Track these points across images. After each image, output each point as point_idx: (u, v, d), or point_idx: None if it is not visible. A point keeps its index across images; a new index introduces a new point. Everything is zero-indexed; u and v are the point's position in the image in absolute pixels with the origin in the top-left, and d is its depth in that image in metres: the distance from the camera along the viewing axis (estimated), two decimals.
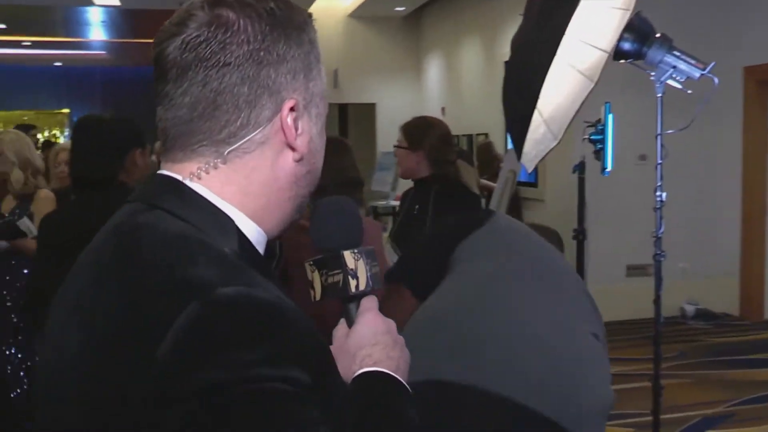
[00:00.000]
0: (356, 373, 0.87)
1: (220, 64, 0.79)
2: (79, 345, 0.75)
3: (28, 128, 6.58)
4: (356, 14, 9.98)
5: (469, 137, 8.69)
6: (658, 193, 2.50)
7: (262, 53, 0.80)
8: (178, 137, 0.82)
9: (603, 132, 2.36)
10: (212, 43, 0.79)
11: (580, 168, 2.46)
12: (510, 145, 8.30)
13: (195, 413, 0.66)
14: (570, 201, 6.20)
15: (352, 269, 0.90)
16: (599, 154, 2.38)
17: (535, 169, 7.04)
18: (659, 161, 2.47)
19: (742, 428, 4.06)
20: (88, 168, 2.21)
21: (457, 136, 8.27)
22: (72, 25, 12.36)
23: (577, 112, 2.52)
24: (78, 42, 13.97)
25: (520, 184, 6.98)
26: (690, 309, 6.42)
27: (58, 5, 10.19)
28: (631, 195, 5.80)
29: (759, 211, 6.41)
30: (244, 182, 0.82)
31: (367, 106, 10.25)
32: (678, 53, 2.39)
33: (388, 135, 9.43)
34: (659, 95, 2.46)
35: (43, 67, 16.80)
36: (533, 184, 7.15)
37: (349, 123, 11.11)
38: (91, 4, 9.12)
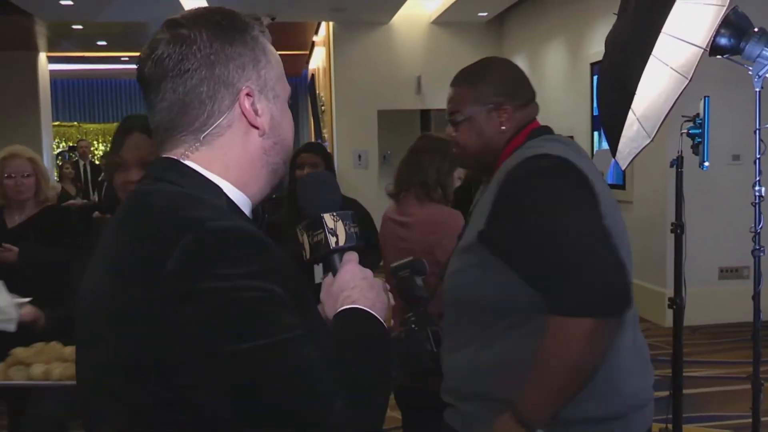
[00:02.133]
0: (337, 310, 1.07)
1: (182, 72, 1.01)
2: (107, 271, 0.99)
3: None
4: (439, 21, 10.09)
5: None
6: (757, 188, 2.50)
7: (212, 56, 1.01)
8: (165, 133, 1.05)
9: (702, 126, 2.37)
10: (174, 56, 1.01)
11: (678, 162, 2.48)
12: (597, 147, 8.22)
13: (195, 312, 0.88)
14: (659, 201, 6.10)
15: (331, 228, 1.11)
16: (698, 148, 2.40)
17: (623, 171, 6.96)
18: (758, 155, 2.46)
19: None
20: None
21: None
22: None
23: (671, 109, 2.54)
24: None
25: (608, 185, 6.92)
26: None
27: (153, 21, 10.70)
28: (725, 196, 5.69)
29: None
30: (223, 158, 1.04)
31: None
32: None
33: None
34: (757, 89, 2.46)
35: (135, 80, 17.59)
36: (621, 186, 7.07)
37: (432, 128, 11.21)
38: None
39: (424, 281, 1.97)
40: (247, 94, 1.03)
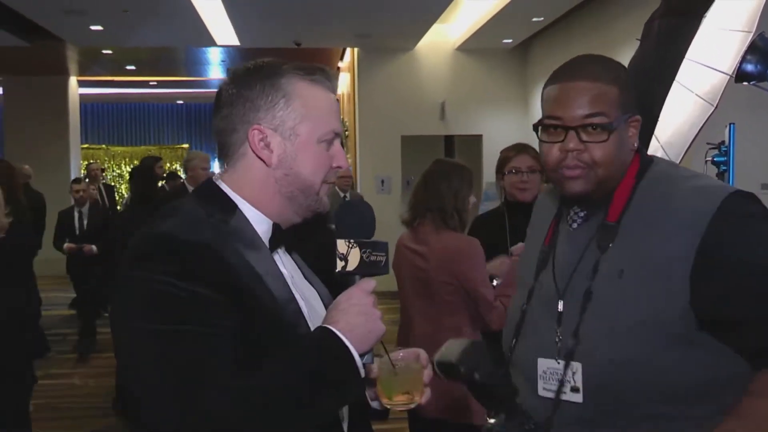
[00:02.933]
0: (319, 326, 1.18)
1: (218, 107, 1.29)
2: None
3: (156, 159, 7.13)
4: (463, 47, 10.12)
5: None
6: None
7: (233, 98, 1.27)
8: (218, 153, 1.32)
9: (727, 154, 2.33)
10: (217, 96, 1.31)
11: None
12: None
13: (119, 294, 1.15)
14: None
15: (342, 254, 1.20)
16: (723, 176, 2.35)
17: None
18: None
19: None
20: None
21: None
22: (193, 65, 13.12)
23: (696, 136, 2.50)
24: (198, 81, 14.79)
25: None
26: None
27: (182, 47, 10.87)
28: None
29: None
30: (240, 180, 1.27)
31: (474, 137, 10.33)
32: None
33: (493, 166, 9.33)
34: None
35: (166, 104, 17.85)
36: None
37: (455, 154, 11.21)
38: (214, 44, 9.68)
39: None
40: (258, 131, 1.24)
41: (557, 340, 1.35)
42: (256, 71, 1.28)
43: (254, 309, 1.15)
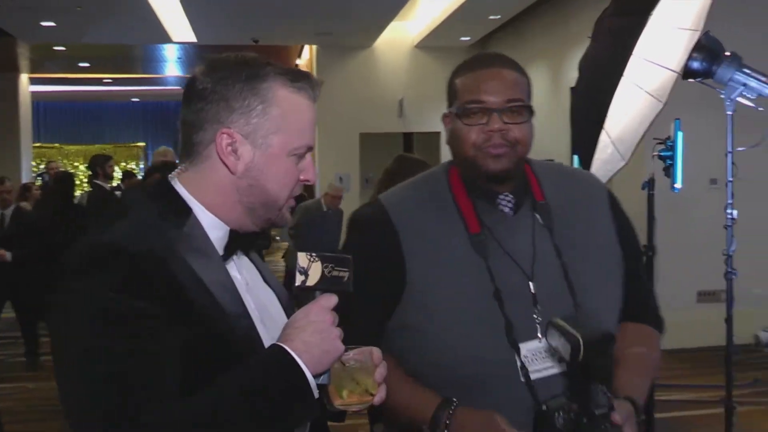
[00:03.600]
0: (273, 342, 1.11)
1: (188, 100, 1.17)
2: None
3: (107, 158, 6.93)
4: (422, 45, 10.17)
5: None
6: (728, 211, 2.52)
7: (209, 94, 1.15)
8: (181, 145, 1.21)
9: (673, 149, 2.40)
10: (188, 87, 1.18)
11: (650, 185, 2.50)
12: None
13: (66, 307, 1.06)
14: (637, 225, 6.15)
15: (302, 267, 1.11)
16: (669, 171, 2.42)
17: None
18: (729, 179, 2.49)
19: None
20: None
21: None
22: (149, 62, 12.95)
23: (646, 132, 2.57)
24: (154, 78, 14.59)
25: None
26: (765, 336, 6.26)
27: (138, 44, 10.72)
28: (703, 220, 5.72)
29: None
30: (202, 183, 1.17)
31: (432, 134, 10.39)
32: (748, 71, 2.43)
33: None
34: (729, 113, 2.49)
35: (122, 102, 17.57)
36: None
37: (414, 151, 11.25)
38: (170, 41, 9.57)
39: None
40: (227, 135, 1.14)
41: (537, 320, 1.40)
42: (238, 68, 1.16)
43: (201, 324, 1.08)
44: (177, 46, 10.58)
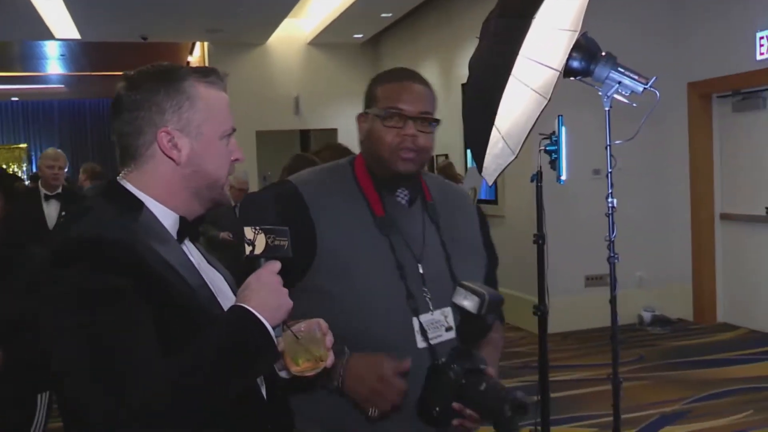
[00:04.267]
0: (232, 304, 1.28)
1: (119, 112, 1.34)
2: None
3: None
4: (315, 42, 10.19)
5: (431, 158, 8.91)
6: (609, 200, 2.70)
7: (139, 102, 1.32)
8: (120, 157, 1.37)
9: (557, 143, 2.55)
10: (117, 101, 1.34)
11: (538, 177, 2.64)
12: (470, 164, 8.55)
13: (52, 296, 1.18)
14: (529, 215, 6.42)
15: (249, 239, 1.29)
16: (554, 164, 2.57)
17: (495, 187, 7.28)
18: (609, 170, 2.66)
19: (698, 423, 4.28)
20: None
21: None
22: (30, 59, 12.34)
23: (533, 127, 2.70)
24: (36, 76, 13.91)
25: (480, 201, 7.20)
26: (647, 316, 6.68)
27: (16, 40, 10.20)
28: (589, 208, 6.04)
29: (707, 220, 6.73)
30: (148, 180, 1.33)
31: (329, 131, 10.43)
32: (622, 69, 2.59)
33: None
34: (606, 109, 2.66)
35: (1, 102, 16.65)
36: (493, 201, 7.37)
37: (310, 148, 11.26)
38: (52, 38, 9.16)
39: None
40: (166, 133, 1.31)
41: (427, 295, 1.65)
42: (158, 76, 1.34)
43: (172, 297, 1.24)
44: (59, 42, 10.14)
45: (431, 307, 1.64)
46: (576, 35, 2.70)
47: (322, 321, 1.38)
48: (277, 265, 1.30)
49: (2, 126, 16.93)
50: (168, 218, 1.35)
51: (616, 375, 2.81)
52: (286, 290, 1.29)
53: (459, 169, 7.78)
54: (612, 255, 2.75)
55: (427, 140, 1.67)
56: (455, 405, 1.53)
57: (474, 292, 1.51)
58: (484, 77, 2.66)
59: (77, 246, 1.21)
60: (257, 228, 1.30)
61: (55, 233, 1.30)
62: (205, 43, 10.29)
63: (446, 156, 8.25)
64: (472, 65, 2.80)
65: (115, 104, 1.35)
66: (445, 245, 1.71)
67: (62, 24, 8.58)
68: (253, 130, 9.99)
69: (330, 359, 1.38)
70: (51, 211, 4.54)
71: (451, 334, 1.65)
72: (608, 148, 2.71)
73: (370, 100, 1.71)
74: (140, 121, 1.32)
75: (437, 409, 1.54)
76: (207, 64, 10.15)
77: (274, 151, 10.34)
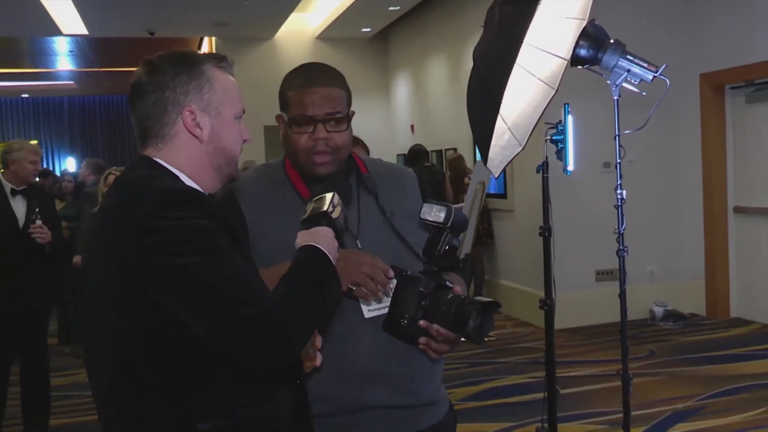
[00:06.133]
0: (299, 245, 1.45)
1: (144, 93, 1.42)
2: (97, 226, 1.42)
3: None
4: (323, 36, 10.13)
5: (440, 152, 8.84)
6: (618, 191, 2.63)
7: (163, 84, 1.40)
8: (140, 137, 1.45)
9: (563, 132, 2.48)
10: (140, 82, 1.42)
11: (544, 168, 2.58)
12: (479, 157, 8.46)
13: (155, 240, 1.26)
14: (539, 210, 6.35)
15: (334, 203, 1.51)
16: (561, 154, 2.50)
17: (504, 181, 7.20)
18: (618, 161, 2.59)
19: (711, 420, 4.19)
20: None
21: (428, 151, 8.41)
22: (39, 56, 12.35)
23: (540, 118, 2.64)
24: (45, 73, 13.94)
25: (489, 195, 7.13)
26: (659, 311, 6.59)
27: (25, 36, 10.20)
28: (599, 202, 5.97)
29: (720, 213, 6.62)
30: (177, 157, 1.42)
31: None
32: (631, 57, 2.52)
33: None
34: (615, 98, 2.59)
35: (11, 98, 16.70)
36: (502, 195, 7.30)
37: None
38: (59, 33, 9.15)
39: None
40: (190, 112, 1.40)
41: None
42: (181, 60, 1.42)
43: (241, 246, 1.42)
44: (68, 38, 10.14)
45: None
46: (584, 23, 2.63)
47: None
48: (328, 229, 1.49)
49: (13, 122, 16.99)
50: None
51: (626, 371, 2.75)
52: (332, 232, 1.48)
53: (468, 161, 7.71)
54: (621, 248, 2.68)
55: (340, 138, 1.72)
56: (421, 322, 1.59)
57: (440, 204, 1.63)
58: (488, 66, 2.60)
59: (171, 195, 1.31)
60: (338, 199, 1.51)
61: (128, 192, 1.37)
62: (213, 38, 10.25)
63: (455, 149, 8.18)
64: (476, 54, 2.74)
65: (135, 87, 1.43)
66: (385, 212, 1.76)
67: (69, 19, 8.56)
68: (261, 126, 9.95)
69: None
70: (18, 206, 4.25)
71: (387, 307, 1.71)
72: (617, 138, 2.64)
73: (282, 102, 1.76)
74: (165, 101, 1.40)
75: (405, 318, 1.60)
76: None
77: (281, 145, 10.29)
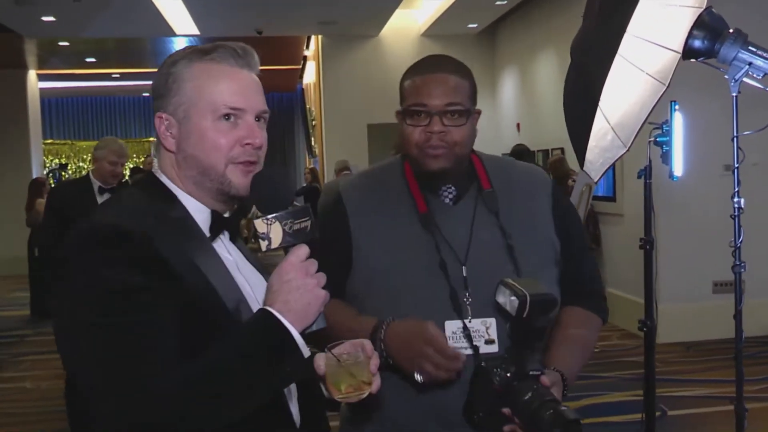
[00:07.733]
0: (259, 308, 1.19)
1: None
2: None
3: (63, 167, 6.77)
4: (429, 33, 9.99)
5: (546, 152, 8.52)
6: (735, 200, 2.34)
7: (152, 92, 1.29)
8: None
9: (669, 133, 2.22)
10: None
11: (646, 173, 2.32)
12: None
13: (68, 287, 1.12)
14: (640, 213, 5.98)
15: (263, 233, 1.16)
16: (666, 157, 2.24)
17: (613, 183, 6.81)
18: (736, 165, 2.31)
19: None
20: None
21: (533, 151, 8.11)
22: (158, 56, 12.86)
23: (648, 117, 2.41)
24: None
25: (596, 198, 6.77)
26: None
27: (143, 37, 10.62)
28: (717, 207, 5.50)
29: None
30: (168, 172, 1.28)
31: None
32: (753, 48, 2.24)
33: None
34: (734, 94, 2.31)
35: (132, 97, 17.54)
36: (611, 199, 6.91)
37: None
38: (173, 34, 9.46)
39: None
40: (159, 118, 1.26)
41: (467, 301, 1.52)
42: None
43: (190, 297, 1.15)
44: (186, 38, 10.47)
45: (469, 314, 1.51)
46: (699, 12, 2.37)
47: (366, 342, 1.29)
48: (301, 252, 1.18)
49: (135, 120, 17.84)
50: (200, 213, 1.27)
51: (741, 401, 2.46)
52: (314, 281, 1.17)
53: (574, 163, 7.36)
54: (738, 263, 2.40)
55: (459, 134, 1.55)
56: (505, 410, 1.39)
57: (515, 291, 1.32)
58: (586, 59, 2.38)
59: (98, 235, 1.14)
60: (268, 218, 1.16)
61: (81, 220, 1.22)
62: (320, 37, 10.32)
63: (561, 150, 7.84)
64: (574, 47, 2.52)
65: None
66: (506, 234, 1.57)
67: (181, 19, 8.82)
68: (365, 124, 9.94)
69: (376, 384, 1.26)
70: None
71: (493, 348, 1.51)
72: (735, 139, 2.35)
73: (401, 96, 1.61)
74: (154, 109, 1.29)
75: (479, 414, 1.42)
76: (321, 58, 10.19)
77: (385, 144, 10.23)
